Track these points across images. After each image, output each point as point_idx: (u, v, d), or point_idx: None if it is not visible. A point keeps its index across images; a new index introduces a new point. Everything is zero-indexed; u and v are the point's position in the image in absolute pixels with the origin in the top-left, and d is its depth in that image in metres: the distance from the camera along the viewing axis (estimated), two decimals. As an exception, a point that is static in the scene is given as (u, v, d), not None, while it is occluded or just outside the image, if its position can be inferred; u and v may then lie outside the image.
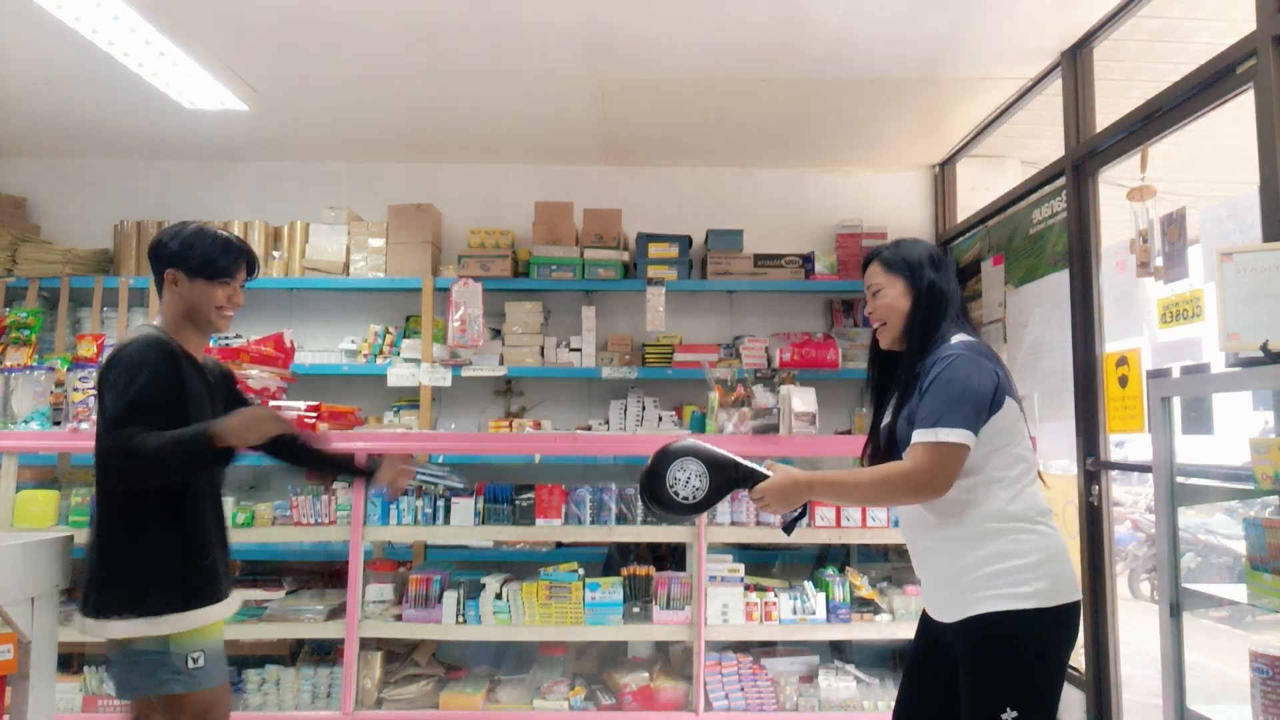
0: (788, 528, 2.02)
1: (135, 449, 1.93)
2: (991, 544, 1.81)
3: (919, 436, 1.80)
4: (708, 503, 1.96)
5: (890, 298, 1.99)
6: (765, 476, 1.92)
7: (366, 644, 3.37)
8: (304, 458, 2.45)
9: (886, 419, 2.00)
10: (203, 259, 2.13)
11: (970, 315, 2.08)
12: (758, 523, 3.47)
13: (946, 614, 1.88)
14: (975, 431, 1.79)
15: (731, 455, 1.99)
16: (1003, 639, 1.77)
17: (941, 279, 1.97)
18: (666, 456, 1.96)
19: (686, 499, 1.93)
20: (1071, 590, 1.81)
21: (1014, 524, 1.81)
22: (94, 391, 3.42)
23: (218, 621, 2.14)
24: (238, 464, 2.24)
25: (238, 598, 2.31)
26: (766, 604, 3.41)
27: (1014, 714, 1.72)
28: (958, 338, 1.89)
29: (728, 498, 1.99)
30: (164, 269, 2.16)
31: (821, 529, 3.43)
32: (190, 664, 2.03)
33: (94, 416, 2.15)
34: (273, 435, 2.06)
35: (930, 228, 4.83)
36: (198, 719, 2.06)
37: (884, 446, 1.98)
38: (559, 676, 3.52)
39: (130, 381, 2.00)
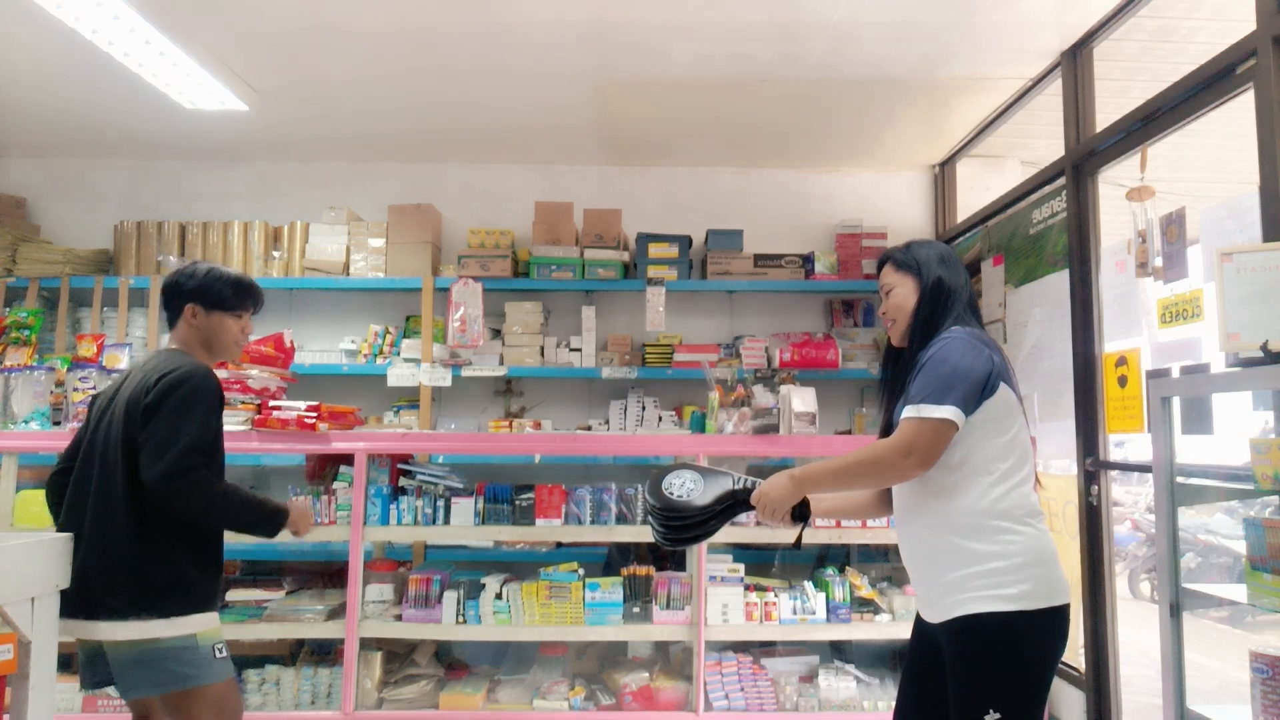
0: (797, 543, 2.10)
1: (202, 486, 2.14)
2: (978, 544, 1.80)
3: (906, 412, 1.81)
4: (710, 511, 2.03)
5: (900, 296, 2.01)
6: (757, 483, 1.99)
7: (366, 644, 3.37)
8: None
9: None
10: (219, 294, 2.36)
11: (980, 312, 2.09)
12: (757, 523, 3.43)
13: (934, 614, 1.88)
14: (966, 412, 1.78)
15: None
16: (986, 640, 1.77)
17: (949, 275, 1.98)
18: (662, 472, 2.15)
19: (682, 496, 2.05)
20: (1059, 594, 1.79)
21: (1000, 523, 1.80)
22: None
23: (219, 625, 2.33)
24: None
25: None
26: (766, 604, 3.41)
27: (996, 715, 1.72)
28: (958, 328, 1.91)
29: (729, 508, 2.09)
30: (183, 304, 2.35)
31: (821, 529, 3.42)
32: (217, 654, 2.24)
33: (119, 424, 2.21)
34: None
35: (930, 228, 4.83)
36: (215, 705, 2.21)
37: (883, 435, 2.00)
38: (559, 676, 3.52)
39: (209, 413, 2.21)
